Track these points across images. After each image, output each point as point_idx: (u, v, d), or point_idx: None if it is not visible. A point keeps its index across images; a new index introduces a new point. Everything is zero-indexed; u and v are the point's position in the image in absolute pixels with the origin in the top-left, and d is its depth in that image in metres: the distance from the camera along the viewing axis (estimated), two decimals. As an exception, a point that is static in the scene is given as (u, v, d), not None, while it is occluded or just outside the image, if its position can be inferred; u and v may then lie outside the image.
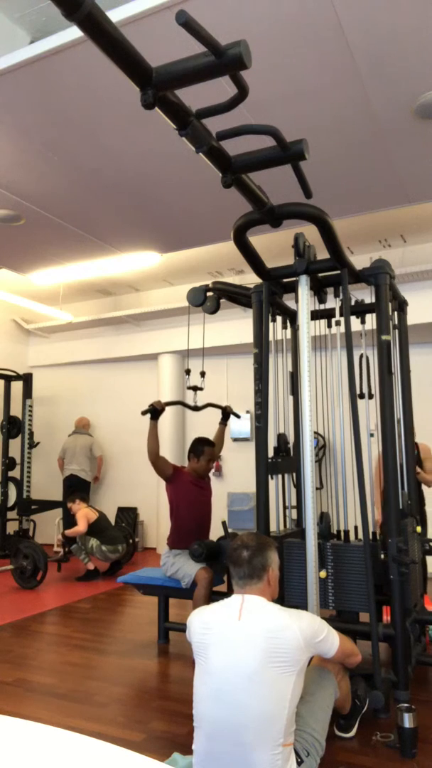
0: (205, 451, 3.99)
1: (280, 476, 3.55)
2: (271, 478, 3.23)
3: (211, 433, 4.37)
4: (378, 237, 5.64)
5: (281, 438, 3.46)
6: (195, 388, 4.10)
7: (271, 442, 3.31)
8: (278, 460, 3.36)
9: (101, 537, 5.93)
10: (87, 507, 6.16)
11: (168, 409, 3.88)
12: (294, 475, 3.80)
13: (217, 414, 4.44)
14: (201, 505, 3.99)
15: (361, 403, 3.47)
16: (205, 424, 6.47)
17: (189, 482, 3.94)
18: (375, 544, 3.05)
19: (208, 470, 4.03)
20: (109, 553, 5.92)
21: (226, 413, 4.40)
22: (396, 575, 2.87)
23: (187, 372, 4.17)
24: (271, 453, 3.28)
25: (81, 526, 5.89)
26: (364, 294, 3.67)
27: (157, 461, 3.83)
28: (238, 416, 4.53)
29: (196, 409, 4.21)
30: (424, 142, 3.25)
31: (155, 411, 3.81)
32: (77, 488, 7.24)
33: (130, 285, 7.33)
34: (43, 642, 3.96)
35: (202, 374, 4.37)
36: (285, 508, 3.59)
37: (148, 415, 3.83)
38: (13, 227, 4.43)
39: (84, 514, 6.04)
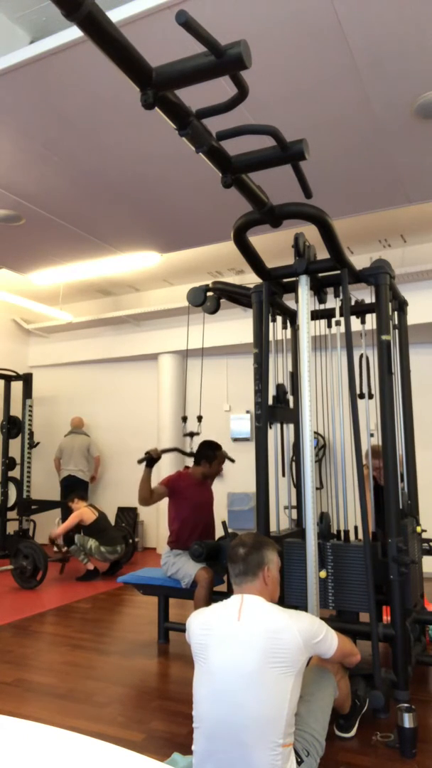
0: (218, 455, 3.99)
1: (280, 476, 3.55)
2: (270, 426, 3.20)
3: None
4: (378, 237, 5.64)
5: (280, 388, 3.44)
6: (191, 434, 4.08)
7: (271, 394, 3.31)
8: (276, 408, 3.33)
9: (100, 537, 5.92)
10: (87, 506, 6.16)
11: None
12: (294, 475, 3.80)
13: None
14: (202, 507, 3.98)
15: (361, 403, 3.47)
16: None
17: (189, 486, 3.93)
18: (375, 544, 3.05)
19: (217, 474, 4.04)
20: (108, 554, 5.91)
21: (223, 459, 4.27)
22: (396, 575, 2.87)
23: (184, 419, 4.14)
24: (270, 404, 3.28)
25: (60, 528, 6.01)
26: (364, 294, 3.67)
27: (149, 503, 3.83)
28: (232, 461, 4.41)
29: (192, 455, 4.12)
30: (424, 142, 3.25)
31: (151, 459, 3.82)
32: (75, 488, 7.25)
33: (130, 285, 7.33)
34: (43, 642, 3.96)
35: (199, 419, 4.32)
36: (285, 508, 3.59)
37: (145, 457, 3.83)
38: (13, 227, 4.43)
39: (78, 514, 6.06)
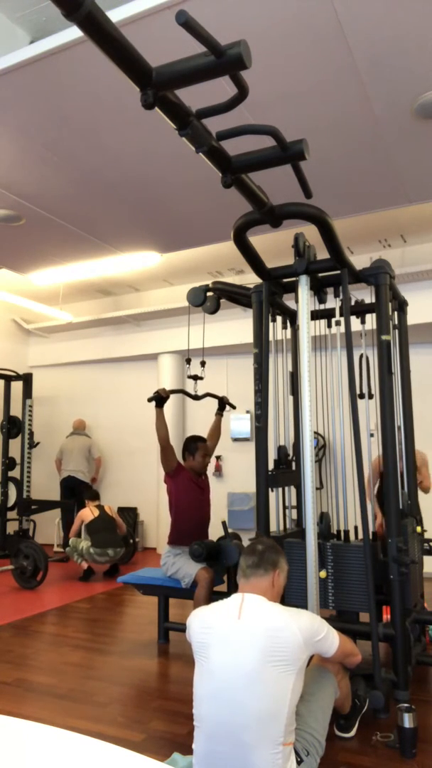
0: (199, 447, 4.02)
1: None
2: (272, 490, 3.22)
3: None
4: (378, 237, 5.64)
5: (281, 450, 3.46)
6: (195, 377, 4.14)
7: (272, 453, 3.29)
8: (278, 473, 3.35)
9: (93, 539, 5.87)
10: (94, 506, 6.16)
11: (167, 406, 3.92)
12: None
13: (216, 407, 4.48)
14: (201, 504, 3.99)
15: (361, 403, 3.46)
16: (204, 420, 6.47)
17: (189, 479, 3.95)
18: (375, 544, 3.05)
19: (204, 466, 4.04)
20: (97, 556, 5.82)
21: (223, 403, 4.45)
22: (396, 575, 2.87)
23: (188, 361, 4.23)
24: (271, 465, 3.28)
25: (71, 531, 6.08)
26: (364, 294, 3.67)
27: (167, 447, 3.87)
28: (233, 407, 4.58)
29: (196, 397, 4.27)
30: (424, 142, 3.25)
31: (160, 398, 3.85)
32: (75, 489, 7.24)
33: (130, 285, 7.33)
34: (43, 642, 3.96)
35: (203, 364, 4.44)
36: (285, 508, 3.59)
37: (153, 404, 3.87)
38: (13, 227, 4.43)
39: (80, 514, 6.09)
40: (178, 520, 3.90)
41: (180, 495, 3.92)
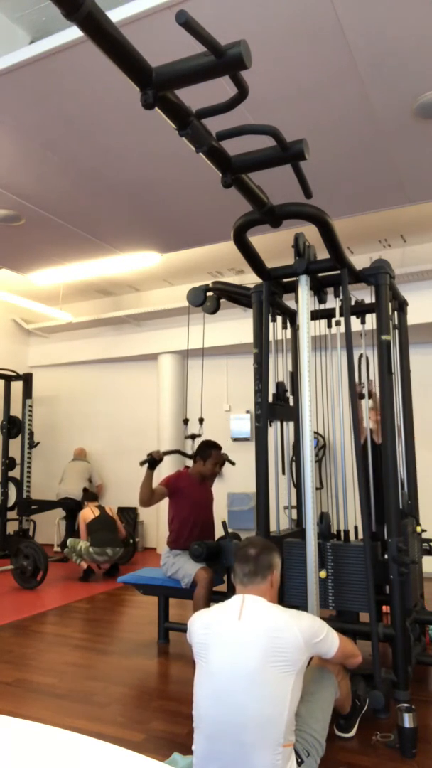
0: (212, 454, 3.95)
1: (280, 475, 3.55)
2: (270, 424, 3.20)
3: None
4: (378, 237, 5.64)
5: (280, 386, 3.42)
6: (193, 437, 4.05)
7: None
8: (276, 406, 3.32)
9: (92, 538, 5.88)
10: (91, 506, 6.16)
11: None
12: (294, 475, 3.80)
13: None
14: (201, 508, 3.97)
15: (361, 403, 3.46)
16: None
17: (189, 486, 3.93)
18: (375, 544, 3.05)
19: (214, 474, 4.01)
20: (96, 555, 5.81)
21: (223, 461, 4.20)
22: (396, 575, 2.87)
23: (185, 422, 4.11)
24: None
25: (81, 535, 6.06)
26: (364, 294, 3.67)
27: (149, 504, 3.83)
28: (233, 463, 4.41)
29: (193, 457, 4.06)
30: (424, 142, 3.25)
31: (153, 461, 3.81)
32: (71, 509, 7.23)
33: (130, 285, 7.33)
34: (43, 642, 3.96)
35: (201, 421, 4.30)
36: (285, 508, 3.59)
37: (146, 460, 3.82)
38: (13, 227, 4.43)
39: (81, 515, 6.09)
40: (180, 525, 3.88)
41: (180, 507, 3.89)
